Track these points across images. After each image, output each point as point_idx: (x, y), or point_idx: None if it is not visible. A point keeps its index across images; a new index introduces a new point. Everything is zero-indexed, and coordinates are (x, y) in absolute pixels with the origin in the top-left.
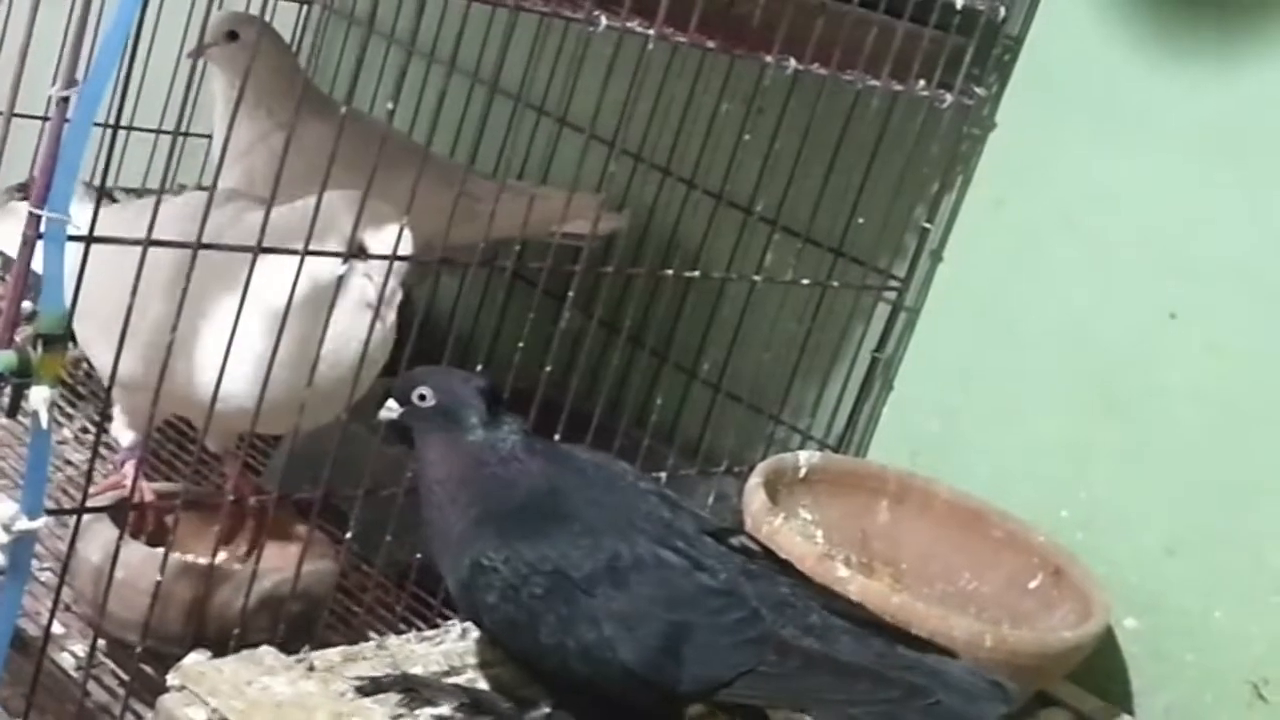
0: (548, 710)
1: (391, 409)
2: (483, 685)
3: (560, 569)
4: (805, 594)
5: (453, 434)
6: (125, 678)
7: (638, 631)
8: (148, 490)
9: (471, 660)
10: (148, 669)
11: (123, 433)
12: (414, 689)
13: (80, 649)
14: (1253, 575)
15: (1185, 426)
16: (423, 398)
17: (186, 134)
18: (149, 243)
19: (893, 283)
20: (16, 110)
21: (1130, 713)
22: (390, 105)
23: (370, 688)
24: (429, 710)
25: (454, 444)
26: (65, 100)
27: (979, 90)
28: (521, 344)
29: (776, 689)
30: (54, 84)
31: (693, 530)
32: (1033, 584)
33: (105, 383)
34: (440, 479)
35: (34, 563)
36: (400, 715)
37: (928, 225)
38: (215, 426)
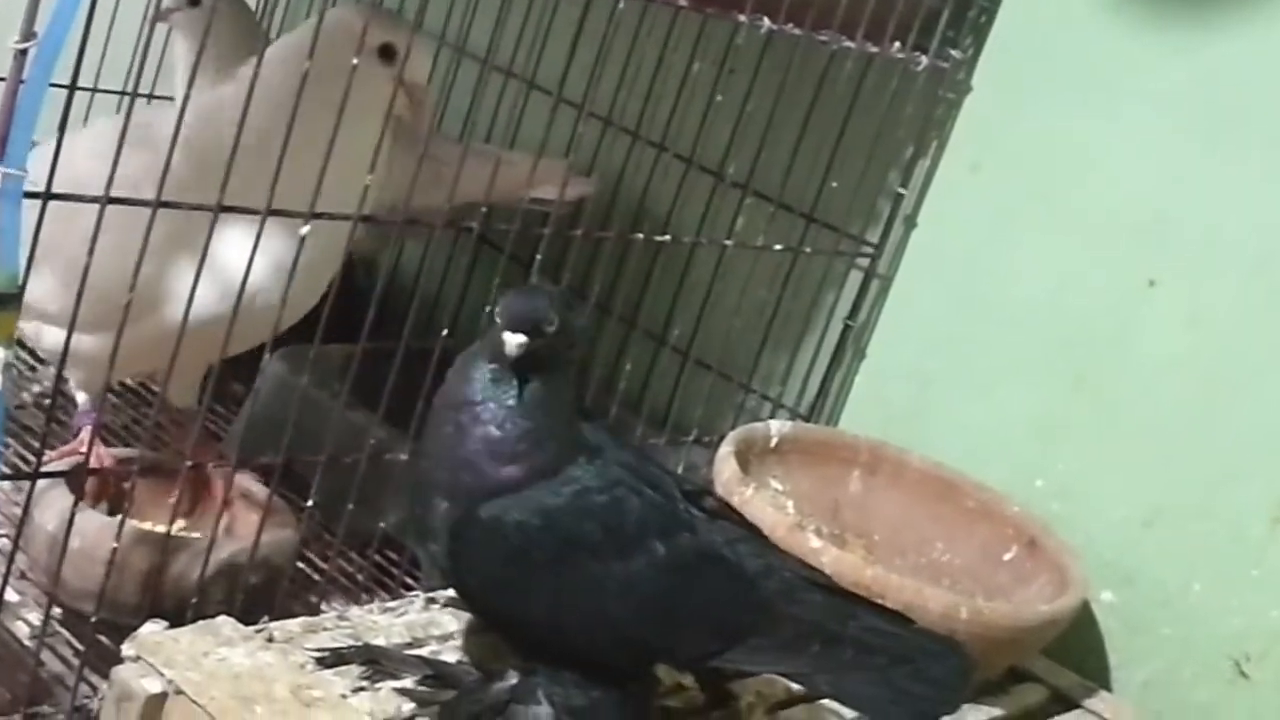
0: (514, 682)
1: (519, 343)
2: (446, 657)
3: (570, 531)
4: (779, 560)
5: (557, 370)
6: (79, 647)
7: (639, 599)
8: (106, 456)
9: (435, 632)
10: (103, 639)
11: (78, 392)
12: (376, 661)
13: (35, 618)
14: (1232, 548)
15: (1163, 397)
16: (550, 323)
17: (151, 96)
18: (107, 200)
19: (866, 249)
20: None
21: (1107, 688)
22: (354, 62)
23: (331, 659)
24: (391, 682)
25: (552, 382)
26: (23, 53)
27: (954, 53)
28: (488, 309)
29: (769, 658)
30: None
31: (678, 494)
32: (1007, 556)
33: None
34: (493, 426)
35: None
36: (362, 687)
37: (902, 191)
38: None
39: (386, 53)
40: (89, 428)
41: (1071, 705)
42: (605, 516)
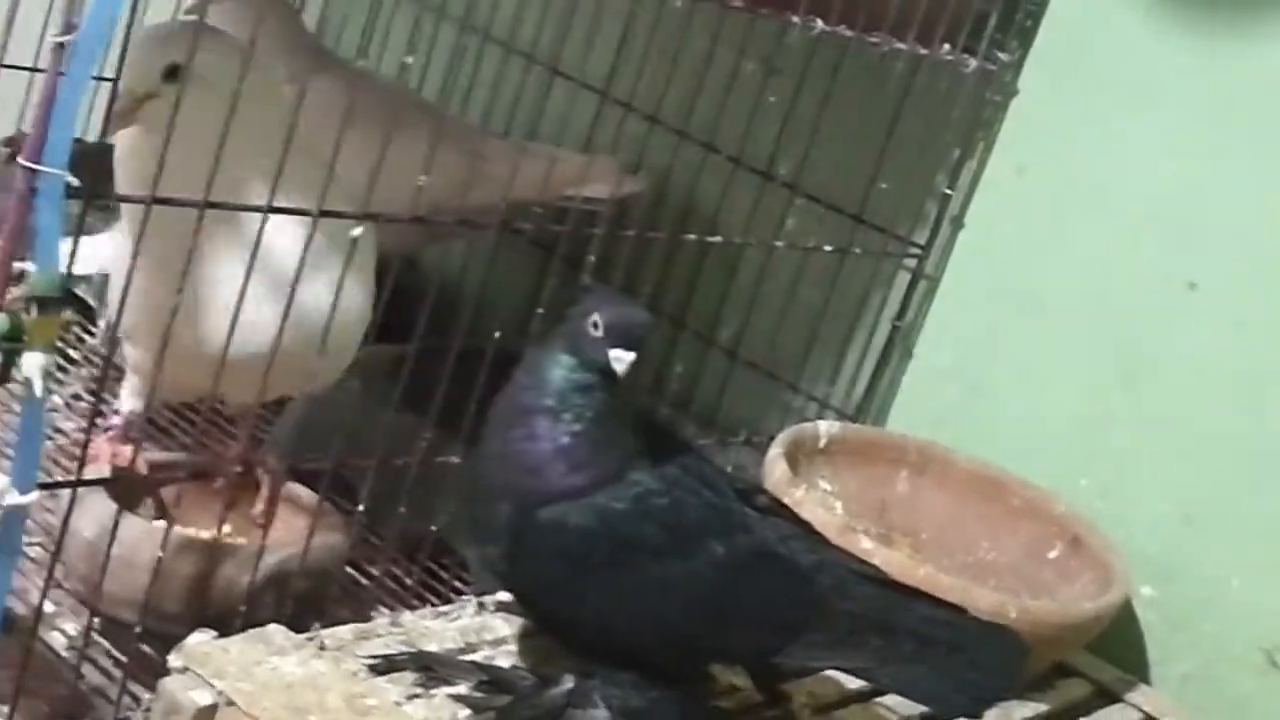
0: (570, 686)
1: (624, 359)
2: (500, 662)
3: (629, 532)
4: (833, 556)
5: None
6: (120, 658)
7: (698, 599)
8: (142, 463)
9: (488, 637)
10: (145, 649)
11: (128, 399)
12: (430, 667)
13: (71, 628)
14: (1270, 545)
15: (1205, 396)
16: (642, 341)
17: None
18: (153, 200)
19: (913, 250)
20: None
21: (1147, 681)
22: (408, 60)
23: (384, 666)
24: (446, 689)
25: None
26: (61, 46)
27: (1002, 55)
28: (540, 310)
29: (827, 653)
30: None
31: (732, 492)
32: (1052, 554)
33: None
34: (565, 436)
35: None
36: (416, 694)
37: (949, 192)
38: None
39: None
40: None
41: (1113, 699)
42: (664, 518)
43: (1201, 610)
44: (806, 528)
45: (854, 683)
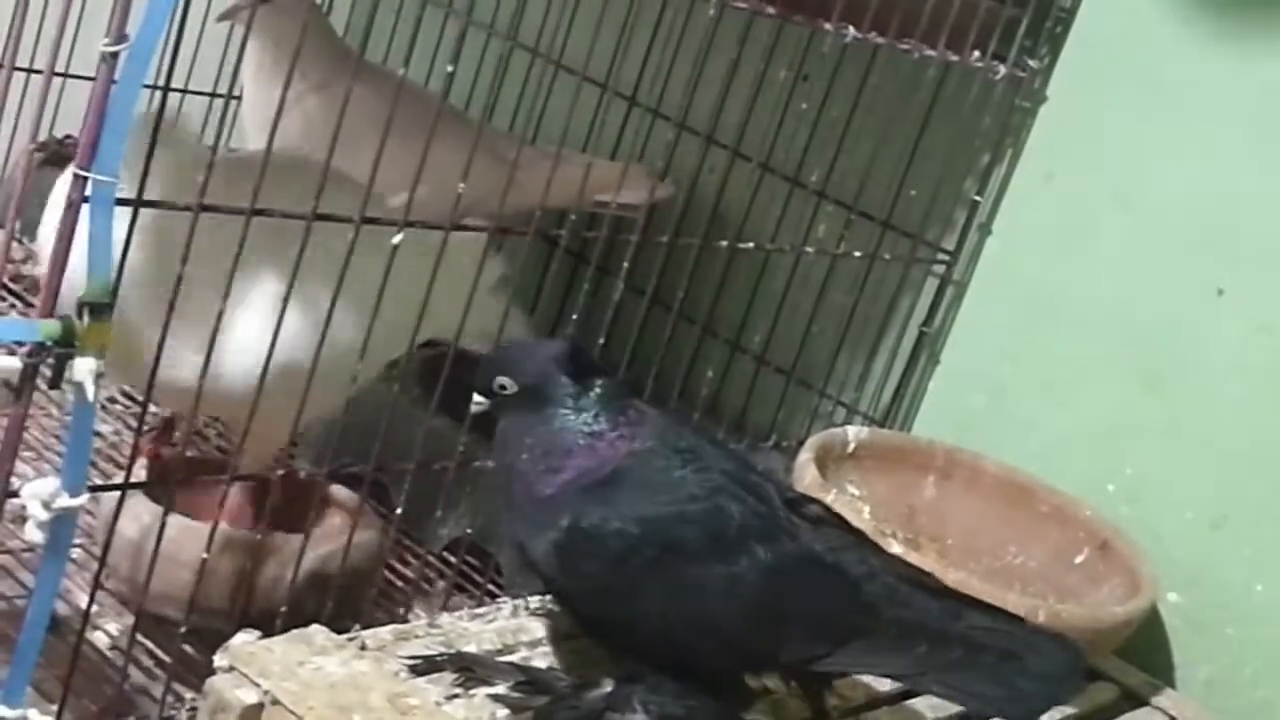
0: (609, 689)
1: (480, 403)
2: (537, 664)
3: (671, 538)
4: (884, 564)
5: (536, 415)
6: (163, 657)
7: (744, 601)
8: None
9: (525, 638)
10: (188, 648)
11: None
12: (469, 668)
13: (114, 627)
14: None
15: (1231, 402)
16: (503, 387)
17: (229, 96)
18: (200, 208)
19: (941, 256)
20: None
21: (1172, 685)
22: (450, 68)
23: (424, 667)
24: (485, 689)
25: (536, 424)
26: (114, 55)
27: (1031, 62)
28: (575, 316)
29: (875, 659)
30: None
31: (779, 499)
32: (1079, 559)
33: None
34: (524, 454)
35: None
36: (456, 695)
37: (977, 198)
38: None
39: None
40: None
41: (1140, 703)
42: (706, 522)
43: (1226, 615)
44: (859, 536)
45: (883, 685)
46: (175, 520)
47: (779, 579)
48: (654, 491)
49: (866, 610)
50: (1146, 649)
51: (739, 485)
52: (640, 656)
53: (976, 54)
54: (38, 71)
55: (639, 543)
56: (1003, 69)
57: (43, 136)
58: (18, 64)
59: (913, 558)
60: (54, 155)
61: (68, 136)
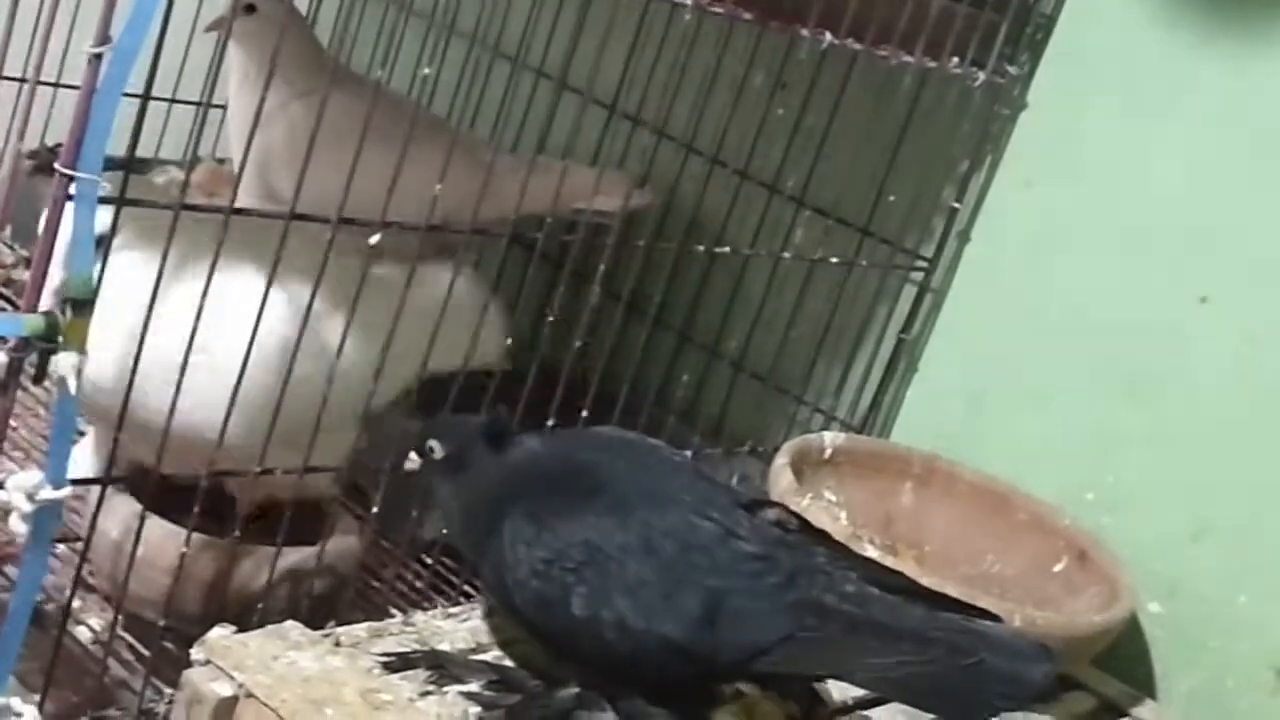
0: (577, 690)
1: (413, 461)
2: (509, 663)
3: (592, 541)
4: (843, 562)
5: (462, 477)
6: (143, 652)
7: (673, 599)
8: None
9: (498, 638)
10: (167, 644)
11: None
12: (442, 666)
13: (96, 623)
14: (1277, 562)
15: (1213, 412)
16: (432, 450)
17: (208, 105)
18: (181, 206)
19: (920, 263)
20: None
21: (1153, 697)
22: (426, 71)
23: (398, 664)
24: (457, 687)
25: (463, 486)
26: (98, 58)
27: (1011, 69)
28: (550, 318)
29: (818, 655)
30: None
31: (726, 502)
32: (1057, 567)
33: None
34: (457, 514)
35: None
36: (428, 692)
37: (956, 205)
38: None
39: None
40: None
41: (1119, 713)
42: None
43: (1207, 627)
44: (818, 534)
45: (852, 692)
46: (154, 523)
47: (705, 576)
48: (578, 500)
49: (803, 606)
50: (1128, 660)
51: (673, 489)
52: (583, 667)
53: (955, 60)
54: (25, 80)
55: (564, 548)
56: (982, 75)
57: (34, 145)
58: (7, 74)
59: (889, 565)
60: (46, 164)
61: (59, 145)
